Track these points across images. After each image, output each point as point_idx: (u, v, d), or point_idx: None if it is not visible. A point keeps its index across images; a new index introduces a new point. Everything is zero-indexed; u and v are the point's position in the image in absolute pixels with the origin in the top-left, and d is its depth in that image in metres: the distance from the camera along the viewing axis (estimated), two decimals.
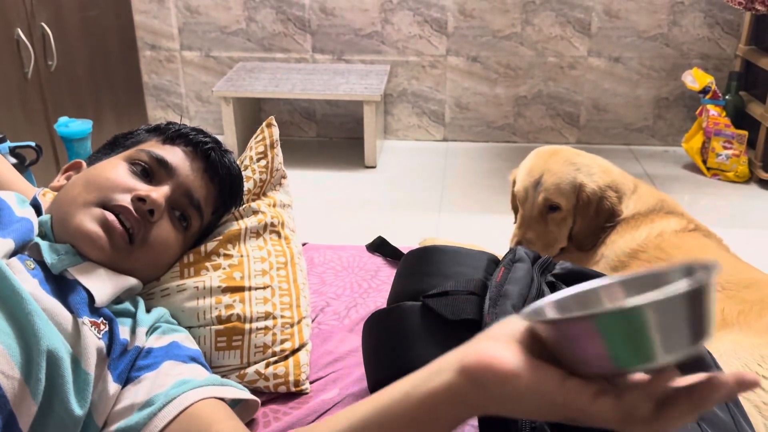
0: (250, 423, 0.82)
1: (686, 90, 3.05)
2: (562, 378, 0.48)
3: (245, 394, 0.78)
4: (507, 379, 0.49)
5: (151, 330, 0.82)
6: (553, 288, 0.76)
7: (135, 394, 0.73)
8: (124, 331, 0.79)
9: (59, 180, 0.96)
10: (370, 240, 1.31)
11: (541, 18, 3.05)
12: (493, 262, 0.81)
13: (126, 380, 0.75)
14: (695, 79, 2.82)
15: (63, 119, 1.78)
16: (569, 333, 0.46)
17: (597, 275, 0.87)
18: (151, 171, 0.88)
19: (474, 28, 3.08)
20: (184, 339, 0.83)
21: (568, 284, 0.78)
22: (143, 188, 0.85)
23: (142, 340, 0.79)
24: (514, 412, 0.51)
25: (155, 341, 0.80)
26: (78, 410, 0.69)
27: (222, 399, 0.75)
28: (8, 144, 1.59)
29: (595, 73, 3.13)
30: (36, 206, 0.88)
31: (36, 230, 0.82)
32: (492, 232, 2.40)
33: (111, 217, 0.81)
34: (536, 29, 3.07)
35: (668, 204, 1.52)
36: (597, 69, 3.12)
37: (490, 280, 0.76)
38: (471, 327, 0.70)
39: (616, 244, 1.46)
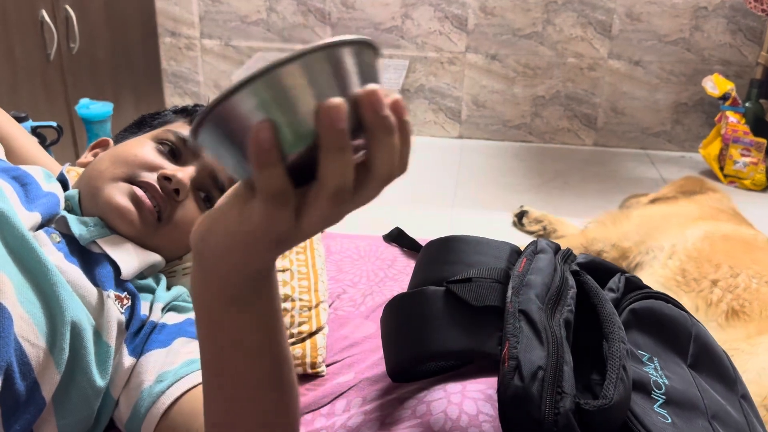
0: None
1: (705, 96, 3.03)
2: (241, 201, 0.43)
3: None
4: (196, 230, 0.46)
5: (168, 307, 0.82)
6: (578, 276, 0.76)
7: (145, 369, 0.73)
8: (144, 306, 0.79)
9: (86, 156, 0.97)
10: (383, 232, 1.31)
11: (562, 18, 3.04)
12: (515, 252, 0.81)
13: (139, 354, 0.76)
14: (715, 85, 2.81)
15: (84, 101, 1.79)
16: (220, 129, 0.40)
17: (617, 269, 0.87)
18: (178, 151, 0.88)
19: (494, 26, 3.08)
20: None
21: (591, 274, 0.78)
22: (170, 167, 0.85)
23: (157, 316, 0.79)
24: (230, 260, 0.46)
25: (170, 318, 0.80)
26: (99, 381, 0.70)
27: None
28: (30, 123, 1.60)
29: (614, 75, 3.11)
30: (63, 181, 0.89)
31: (62, 204, 0.83)
32: (505, 230, 2.39)
33: (140, 192, 0.82)
34: (557, 29, 3.06)
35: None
36: (616, 72, 3.11)
37: (513, 269, 0.76)
38: (494, 314, 0.70)
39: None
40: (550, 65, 3.12)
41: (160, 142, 0.88)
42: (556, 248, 0.82)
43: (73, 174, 0.96)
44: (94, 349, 0.70)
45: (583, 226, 2.21)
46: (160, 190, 0.83)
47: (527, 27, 3.07)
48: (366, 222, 2.39)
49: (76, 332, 0.68)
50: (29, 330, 0.64)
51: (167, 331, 0.78)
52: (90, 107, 1.75)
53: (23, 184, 0.81)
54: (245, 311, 0.50)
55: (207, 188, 0.90)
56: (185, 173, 0.85)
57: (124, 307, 0.76)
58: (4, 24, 1.96)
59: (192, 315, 0.82)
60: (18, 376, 0.62)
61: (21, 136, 1.09)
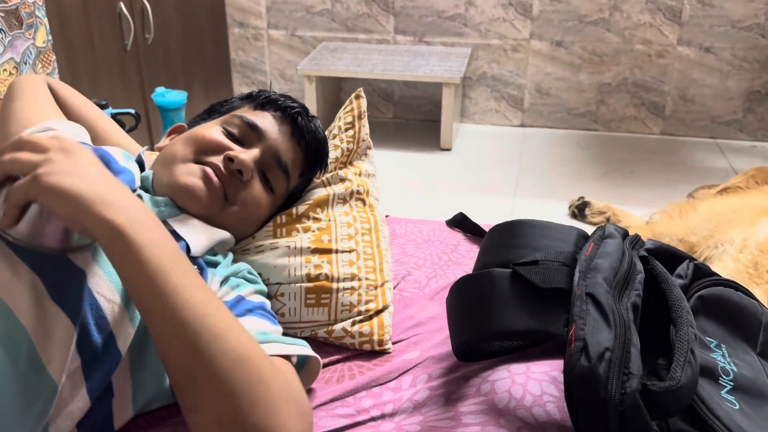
0: (334, 375, 0.86)
1: None
2: None
3: (299, 350, 0.76)
4: None
5: (225, 281, 0.84)
6: (646, 262, 0.76)
7: None
8: (213, 281, 0.83)
9: (164, 141, 1.03)
10: (445, 218, 1.33)
11: (630, 4, 2.97)
12: (583, 237, 0.81)
13: None
14: None
15: (160, 89, 1.86)
16: None
17: (685, 256, 0.87)
18: (243, 135, 0.93)
19: (560, 12, 3.03)
20: (251, 293, 0.84)
21: (660, 260, 0.78)
22: (235, 149, 0.90)
23: (213, 289, 0.82)
24: None
25: (223, 294, 0.82)
26: None
27: (287, 357, 0.74)
28: (110, 110, 1.69)
29: (683, 62, 3.02)
30: (140, 163, 0.94)
31: (138, 182, 0.88)
32: (568, 220, 2.37)
33: (209, 171, 0.86)
34: (624, 15, 2.99)
35: None
36: (686, 58, 3.02)
37: (580, 254, 0.76)
38: (561, 296, 0.71)
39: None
40: (617, 52, 3.06)
41: (226, 126, 0.93)
42: (625, 233, 0.82)
43: (152, 158, 1.02)
44: None
45: (648, 217, 2.17)
46: (223, 169, 0.87)
47: (593, 13, 3.01)
48: (428, 208, 2.41)
49: None
50: (105, 286, 0.69)
51: None
52: (166, 95, 1.82)
53: (105, 162, 0.86)
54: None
55: (271, 169, 0.94)
56: (249, 155, 0.89)
57: None
58: (85, 17, 2.06)
59: (242, 291, 0.84)
60: (94, 329, 0.67)
61: (104, 121, 1.15)
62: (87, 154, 0.65)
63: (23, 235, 0.64)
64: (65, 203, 0.59)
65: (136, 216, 0.61)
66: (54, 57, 1.56)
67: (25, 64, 1.46)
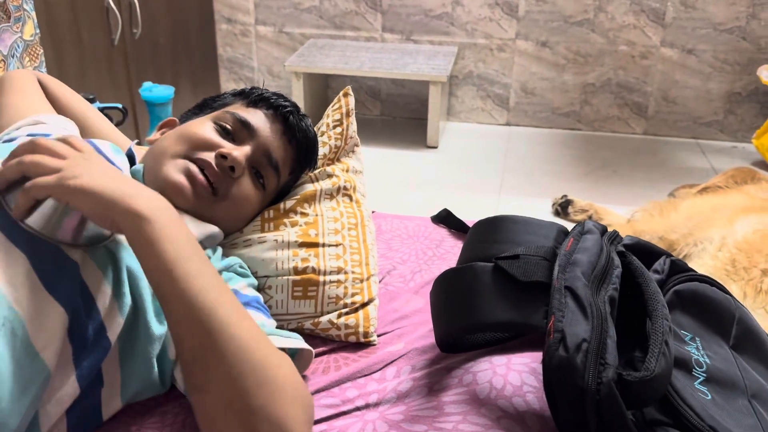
0: (320, 367, 0.88)
1: (761, 85, 2.97)
2: None
3: (293, 343, 0.79)
4: None
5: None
6: (623, 257, 0.78)
7: None
8: None
9: (155, 135, 1.04)
10: (430, 215, 1.35)
11: (614, 5, 3.00)
12: (563, 233, 0.83)
13: None
14: None
15: (147, 84, 1.87)
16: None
17: (662, 252, 0.90)
18: (235, 131, 0.94)
19: (545, 12, 3.06)
20: (244, 287, 0.87)
21: (637, 256, 0.80)
22: (227, 146, 0.91)
23: None
24: None
25: None
26: (157, 328, 0.75)
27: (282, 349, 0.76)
28: (97, 104, 1.69)
29: (666, 63, 3.07)
30: (130, 156, 0.95)
31: (127, 176, 0.89)
32: (551, 218, 2.40)
33: (194, 168, 0.88)
34: (609, 16, 3.03)
35: None
36: (669, 60, 3.06)
37: (560, 248, 0.79)
38: (540, 289, 0.73)
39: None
40: (602, 53, 3.09)
41: (218, 122, 0.94)
42: (603, 229, 0.84)
43: (142, 151, 1.02)
44: (151, 298, 0.75)
45: (629, 215, 2.21)
46: (215, 167, 0.89)
47: (578, 14, 3.05)
48: (414, 205, 2.43)
49: (132, 276, 0.74)
50: (96, 277, 0.71)
51: None
52: (153, 90, 1.83)
53: None
54: None
55: (261, 166, 0.95)
56: (241, 152, 0.91)
57: None
58: (73, 11, 2.06)
59: (236, 285, 0.86)
60: (85, 318, 0.68)
61: (93, 115, 1.16)
62: (100, 158, 0.70)
63: (38, 224, 0.67)
64: (94, 201, 0.64)
65: (158, 207, 0.67)
66: (41, 51, 1.56)
67: (13, 57, 1.46)
